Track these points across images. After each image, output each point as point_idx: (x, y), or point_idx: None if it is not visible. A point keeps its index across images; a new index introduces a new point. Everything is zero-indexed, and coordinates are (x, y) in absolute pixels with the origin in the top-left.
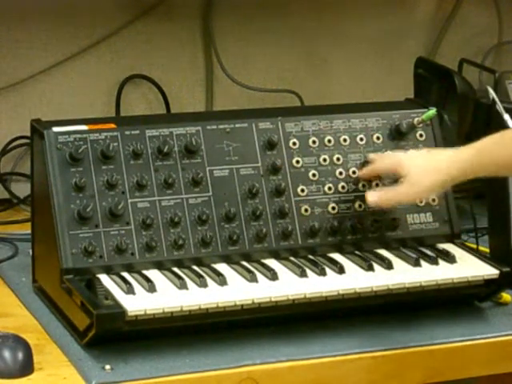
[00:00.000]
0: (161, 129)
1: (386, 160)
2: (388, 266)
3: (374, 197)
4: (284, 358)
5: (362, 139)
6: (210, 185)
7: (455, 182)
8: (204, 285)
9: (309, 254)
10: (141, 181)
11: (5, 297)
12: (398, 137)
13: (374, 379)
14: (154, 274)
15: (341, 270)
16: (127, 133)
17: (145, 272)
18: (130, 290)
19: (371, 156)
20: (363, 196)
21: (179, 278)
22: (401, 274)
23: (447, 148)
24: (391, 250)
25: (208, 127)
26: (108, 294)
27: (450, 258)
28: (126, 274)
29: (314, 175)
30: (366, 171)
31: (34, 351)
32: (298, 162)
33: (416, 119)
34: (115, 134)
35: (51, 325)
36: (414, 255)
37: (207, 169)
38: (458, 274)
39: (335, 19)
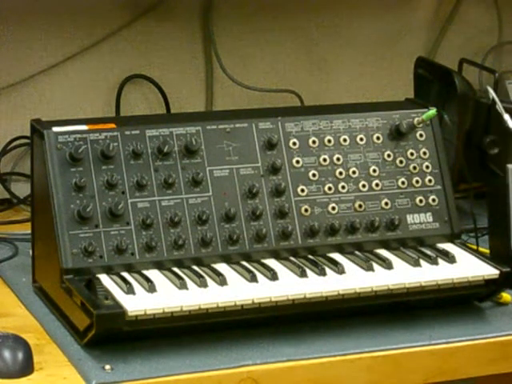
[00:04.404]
0: (161, 129)
1: None
2: (388, 266)
3: None
4: (284, 358)
5: (362, 139)
6: (209, 185)
7: None
8: (204, 285)
9: (309, 253)
10: (141, 181)
11: (5, 297)
12: (398, 137)
13: (374, 379)
14: (153, 274)
15: (341, 270)
16: (127, 133)
17: (145, 272)
18: (130, 290)
19: None
20: (363, 196)
21: (179, 278)
22: (401, 274)
23: None
24: (391, 250)
25: (208, 127)
26: (108, 294)
27: (449, 257)
28: (125, 274)
29: (314, 175)
30: None
31: (34, 351)
32: (298, 162)
33: (416, 119)
34: (115, 133)
35: (51, 325)
36: (414, 255)
37: (207, 169)
38: (458, 274)
39: (335, 19)
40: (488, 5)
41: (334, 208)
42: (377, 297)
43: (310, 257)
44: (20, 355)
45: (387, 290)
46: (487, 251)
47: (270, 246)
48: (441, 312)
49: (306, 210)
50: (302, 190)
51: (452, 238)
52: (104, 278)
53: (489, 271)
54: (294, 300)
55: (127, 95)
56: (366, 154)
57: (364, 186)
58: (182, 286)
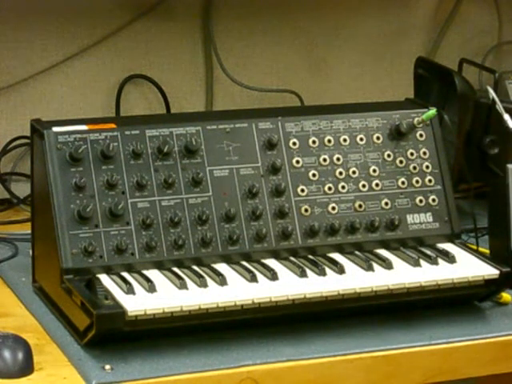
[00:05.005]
0: (161, 129)
1: None
2: (388, 266)
3: None
4: (284, 358)
5: (362, 139)
6: (209, 185)
7: None
8: (204, 285)
9: (309, 254)
10: (141, 181)
11: (5, 297)
12: (398, 137)
13: (374, 379)
14: (153, 273)
15: (341, 270)
16: (127, 133)
17: (145, 272)
18: (129, 290)
19: None
20: (363, 196)
21: (179, 278)
22: (401, 274)
23: None
24: (391, 250)
25: (208, 127)
26: (108, 294)
27: (449, 257)
28: (126, 274)
29: (314, 175)
30: None
31: (34, 351)
32: (298, 162)
33: (416, 119)
34: (115, 133)
35: (51, 325)
36: (414, 255)
37: (207, 169)
38: (458, 274)
39: (335, 19)
40: (488, 5)
41: (334, 208)
42: (377, 297)
43: (310, 257)
44: (20, 355)
45: (387, 290)
46: (487, 251)
47: (270, 246)
48: (441, 312)
49: (306, 210)
50: (302, 190)
51: (452, 237)
52: (104, 278)
53: (489, 271)
54: (294, 300)
55: (127, 95)
56: (365, 154)
57: (364, 186)
58: (182, 285)
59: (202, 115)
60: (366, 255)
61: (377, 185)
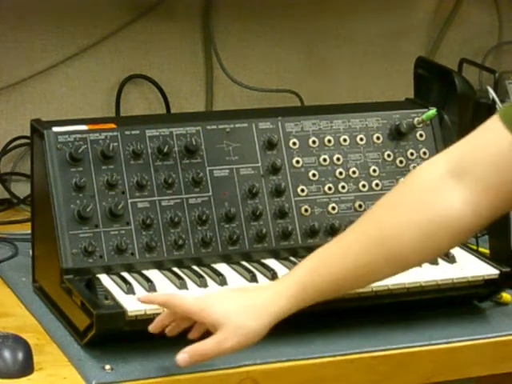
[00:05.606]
0: (161, 129)
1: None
2: None
3: (183, 356)
4: (284, 358)
5: (362, 139)
6: (210, 185)
7: (280, 319)
8: (204, 285)
9: (309, 253)
10: (141, 181)
11: (5, 297)
12: (398, 137)
13: (374, 379)
14: (153, 274)
15: None
16: (127, 133)
17: (145, 272)
18: (129, 290)
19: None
20: (363, 196)
21: (179, 278)
22: (401, 274)
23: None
24: None
25: (208, 127)
26: (108, 294)
27: (450, 258)
28: (126, 274)
29: (314, 175)
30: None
31: (34, 351)
32: (298, 162)
33: (416, 119)
34: (115, 133)
35: (51, 325)
36: None
37: (207, 169)
38: (458, 274)
39: (335, 19)
40: (488, 5)
41: (334, 208)
42: (377, 297)
43: None
44: (20, 355)
45: (387, 290)
46: (487, 251)
47: (270, 246)
48: (441, 312)
49: (306, 210)
50: (302, 190)
51: None
52: (104, 278)
53: (489, 271)
54: None
55: (127, 95)
56: (365, 154)
57: (364, 185)
58: (182, 285)
59: (202, 115)
60: None
61: (377, 185)
